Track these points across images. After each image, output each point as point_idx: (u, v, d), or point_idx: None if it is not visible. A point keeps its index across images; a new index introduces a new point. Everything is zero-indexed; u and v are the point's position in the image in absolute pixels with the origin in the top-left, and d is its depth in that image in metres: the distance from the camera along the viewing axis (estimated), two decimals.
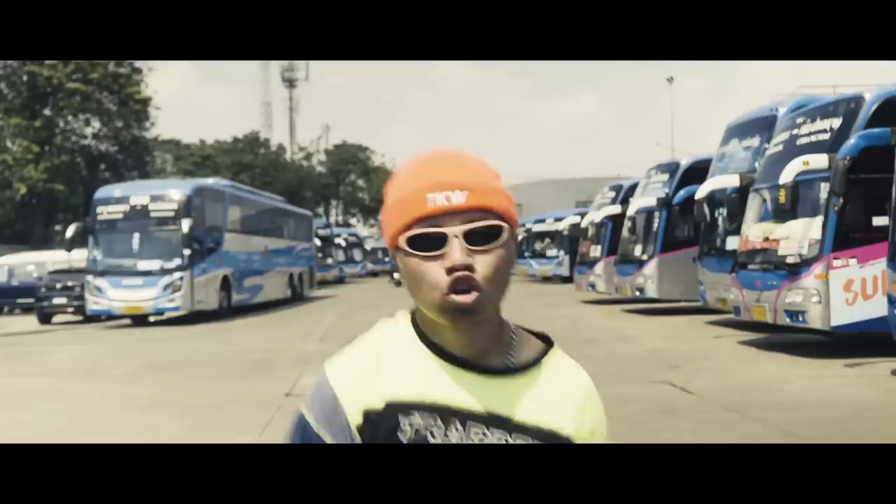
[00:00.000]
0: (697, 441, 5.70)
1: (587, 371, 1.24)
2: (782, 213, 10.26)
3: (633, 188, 18.52)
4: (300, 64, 76.76)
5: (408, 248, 1.12)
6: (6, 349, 14.46)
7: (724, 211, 13.15)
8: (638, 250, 16.82)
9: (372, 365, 1.16)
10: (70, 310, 19.60)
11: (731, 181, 12.45)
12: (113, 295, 17.54)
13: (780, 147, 10.89)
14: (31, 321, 20.36)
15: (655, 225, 16.34)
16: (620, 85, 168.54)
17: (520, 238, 24.38)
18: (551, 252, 32.63)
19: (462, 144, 1.63)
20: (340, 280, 40.46)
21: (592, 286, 19.89)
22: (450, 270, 1.08)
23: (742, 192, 11.87)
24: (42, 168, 37.05)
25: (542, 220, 34.07)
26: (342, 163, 71.26)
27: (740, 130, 13.45)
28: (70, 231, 18.64)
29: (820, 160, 9.67)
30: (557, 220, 31.14)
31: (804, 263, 9.71)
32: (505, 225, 1.13)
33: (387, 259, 54.48)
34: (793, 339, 11.15)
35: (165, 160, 56.82)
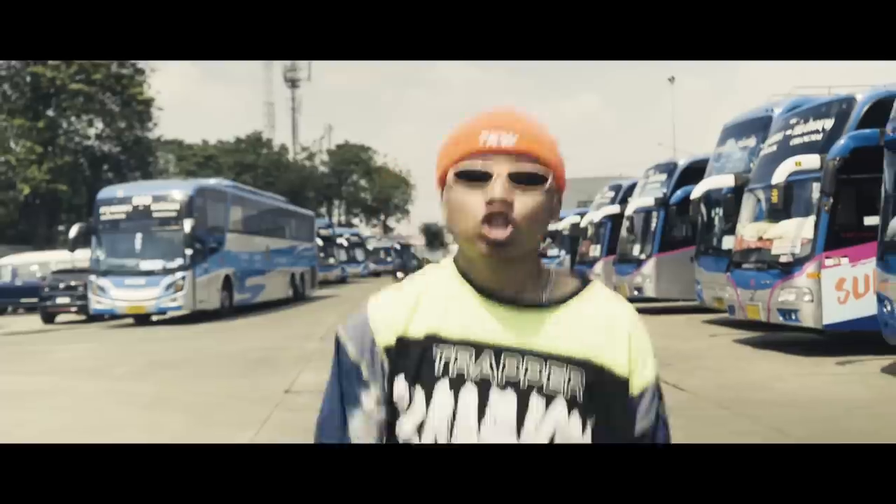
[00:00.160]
0: (687, 438, 5.81)
1: None
2: (775, 213, 10.34)
3: (632, 188, 18.54)
4: (302, 64, 77.00)
5: (454, 179, 1.18)
6: (10, 348, 14.57)
7: (719, 211, 13.26)
8: (636, 250, 16.89)
9: (412, 299, 1.23)
10: (73, 309, 19.71)
11: (726, 181, 12.52)
12: (116, 294, 17.65)
13: (774, 147, 10.95)
14: (34, 321, 20.43)
15: (653, 225, 16.41)
16: (621, 85, 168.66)
17: None
18: (552, 252, 32.66)
19: None
20: (342, 280, 40.43)
21: None
22: (489, 203, 1.15)
23: (737, 192, 11.94)
24: (45, 169, 37.13)
25: None
26: (345, 163, 71.38)
27: (736, 131, 13.51)
28: (73, 231, 18.72)
29: (812, 160, 9.73)
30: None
31: (797, 263, 9.79)
32: (549, 175, 1.19)
33: (389, 259, 54.59)
34: (786, 337, 11.22)
35: (168, 161, 56.83)
